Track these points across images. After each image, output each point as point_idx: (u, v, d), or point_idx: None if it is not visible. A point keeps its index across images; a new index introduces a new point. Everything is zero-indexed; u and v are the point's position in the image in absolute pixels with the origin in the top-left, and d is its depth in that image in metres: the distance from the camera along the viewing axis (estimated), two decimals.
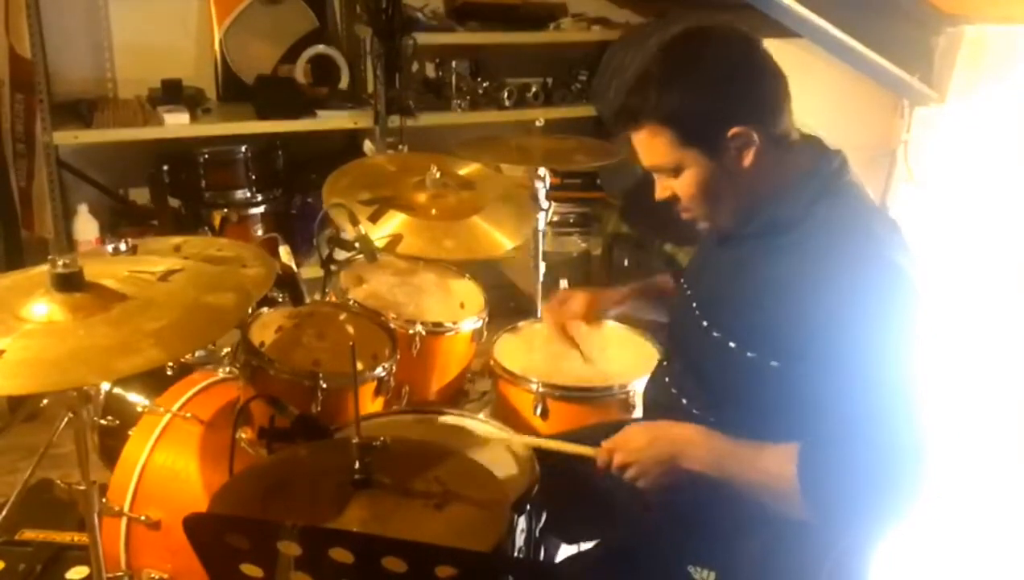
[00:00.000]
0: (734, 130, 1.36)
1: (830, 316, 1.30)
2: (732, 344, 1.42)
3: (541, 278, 2.64)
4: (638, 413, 1.91)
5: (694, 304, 1.53)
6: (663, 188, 1.47)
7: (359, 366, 1.73)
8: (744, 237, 1.46)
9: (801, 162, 1.43)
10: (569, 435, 1.86)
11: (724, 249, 1.51)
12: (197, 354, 2.19)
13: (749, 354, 1.39)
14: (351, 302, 2.13)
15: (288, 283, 2.11)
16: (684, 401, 1.53)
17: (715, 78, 1.37)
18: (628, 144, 1.47)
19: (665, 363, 1.67)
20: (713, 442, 1.42)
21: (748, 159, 1.37)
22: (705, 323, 1.48)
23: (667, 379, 1.60)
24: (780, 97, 1.40)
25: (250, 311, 1.91)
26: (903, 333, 1.30)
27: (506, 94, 3.60)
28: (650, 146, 1.42)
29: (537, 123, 2.72)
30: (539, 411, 1.96)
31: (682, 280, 1.65)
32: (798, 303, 1.33)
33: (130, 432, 1.92)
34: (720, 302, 1.48)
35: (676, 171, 1.42)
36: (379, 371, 1.90)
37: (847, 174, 1.44)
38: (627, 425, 1.75)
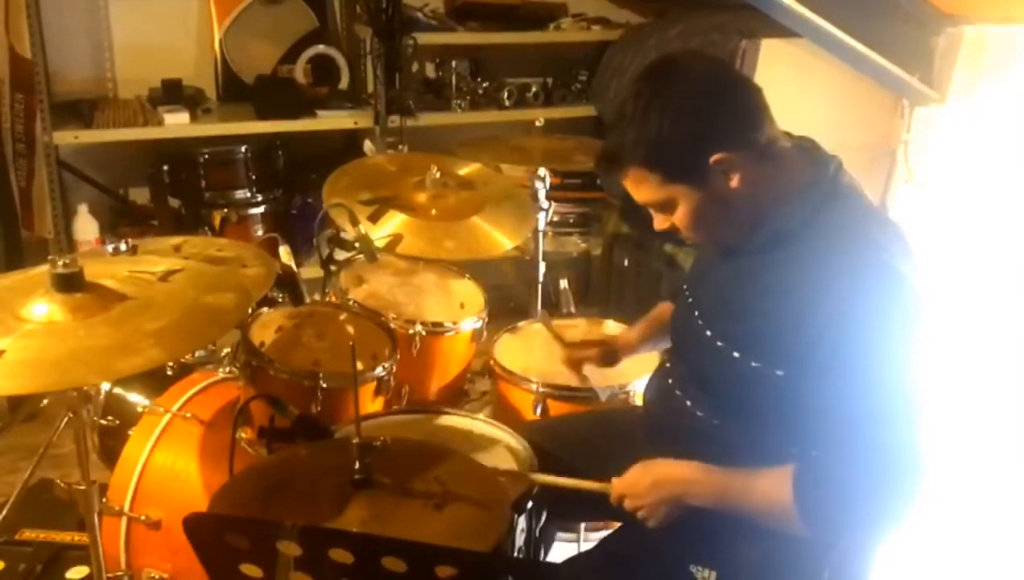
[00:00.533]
0: (715, 157, 1.35)
1: (830, 322, 1.30)
2: (736, 354, 1.42)
3: (541, 278, 2.64)
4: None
5: (696, 313, 1.53)
6: (661, 221, 1.48)
7: (359, 366, 1.73)
8: (747, 251, 1.45)
9: (797, 170, 1.42)
10: (568, 421, 1.87)
11: (727, 260, 1.50)
12: (197, 354, 2.19)
13: (754, 364, 1.39)
14: (351, 302, 2.13)
15: (288, 283, 2.11)
16: (688, 403, 1.53)
17: (685, 110, 1.36)
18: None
19: (668, 365, 1.66)
20: (712, 477, 1.44)
21: (736, 181, 1.37)
22: (709, 333, 1.47)
23: (670, 381, 1.60)
24: (755, 111, 1.39)
25: (250, 311, 1.92)
26: (903, 339, 1.30)
27: (506, 94, 3.60)
28: (638, 187, 1.43)
29: (537, 123, 2.72)
30: (539, 411, 1.96)
31: (684, 287, 1.65)
32: (800, 310, 1.33)
33: (130, 432, 1.92)
34: (723, 312, 1.48)
35: (669, 206, 1.43)
36: (379, 371, 1.90)
37: (844, 178, 1.44)
38: (627, 413, 1.74)
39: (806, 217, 1.39)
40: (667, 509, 1.47)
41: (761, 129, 1.39)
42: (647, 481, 1.49)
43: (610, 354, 1.92)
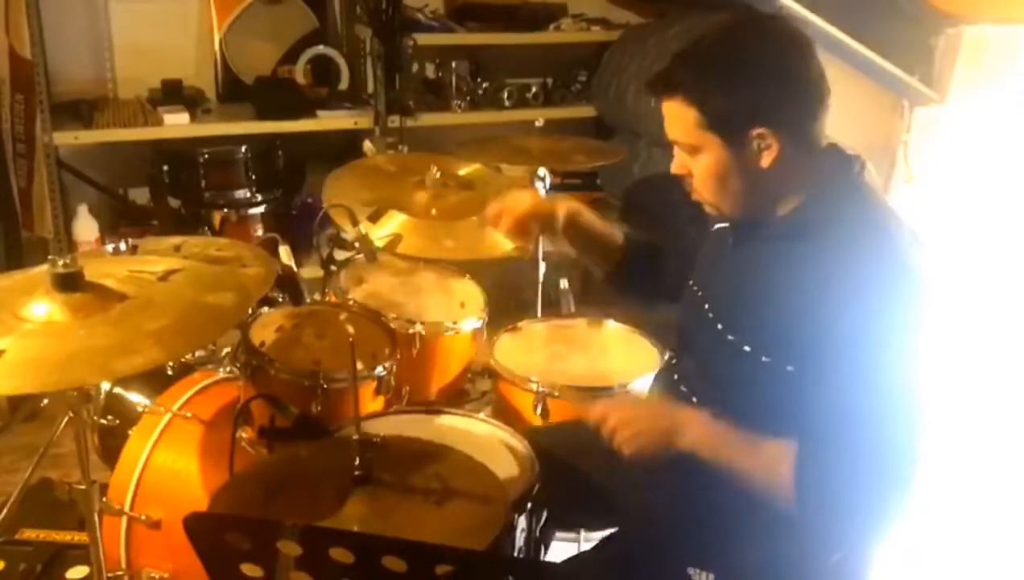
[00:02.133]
0: (758, 130, 1.35)
1: (844, 320, 1.30)
2: (747, 348, 1.41)
3: (541, 278, 2.64)
4: None
5: (706, 305, 1.53)
6: (679, 164, 1.46)
7: (359, 366, 1.73)
8: (764, 239, 1.45)
9: (821, 168, 1.42)
10: (570, 427, 1.87)
11: (741, 250, 1.50)
12: (197, 354, 2.19)
13: (764, 359, 1.39)
14: (351, 302, 2.13)
15: (288, 283, 2.11)
16: (694, 399, 1.53)
17: (756, 76, 1.35)
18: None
19: (674, 362, 1.66)
20: (713, 425, 1.42)
21: (767, 160, 1.37)
22: (720, 326, 1.47)
23: (676, 377, 1.60)
24: (816, 106, 1.39)
25: (250, 311, 1.92)
26: (915, 339, 1.31)
27: (506, 94, 3.60)
28: (676, 118, 1.42)
29: (537, 123, 2.72)
30: (539, 411, 1.96)
31: (691, 282, 1.64)
32: (814, 306, 1.33)
33: (130, 432, 1.92)
34: (736, 305, 1.48)
35: (694, 151, 1.42)
36: (379, 371, 1.90)
37: (867, 178, 1.44)
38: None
39: (827, 212, 1.39)
40: (656, 439, 1.43)
41: (812, 126, 1.39)
42: (645, 405, 1.49)
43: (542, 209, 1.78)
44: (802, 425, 1.33)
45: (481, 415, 1.84)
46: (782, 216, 1.42)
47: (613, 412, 1.48)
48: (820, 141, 1.42)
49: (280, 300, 2.09)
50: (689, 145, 1.42)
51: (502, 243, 2.29)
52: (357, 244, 2.14)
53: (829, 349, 1.31)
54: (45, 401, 2.44)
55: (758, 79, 1.36)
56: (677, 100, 1.40)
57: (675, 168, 1.48)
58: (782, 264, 1.41)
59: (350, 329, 1.96)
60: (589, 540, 1.97)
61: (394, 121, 3.36)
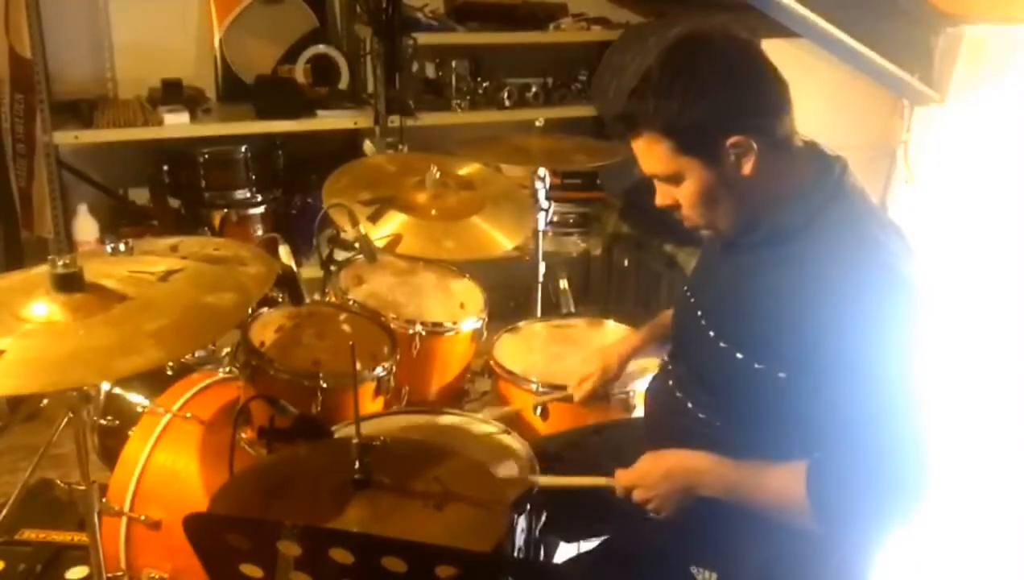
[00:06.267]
0: (732, 139, 1.35)
1: (831, 323, 1.30)
2: (739, 354, 1.41)
3: (541, 278, 2.64)
4: (638, 413, 1.90)
5: (699, 313, 1.53)
6: (664, 195, 1.47)
7: (359, 366, 1.73)
8: (749, 245, 1.45)
9: (803, 169, 1.42)
10: (570, 434, 1.87)
11: (729, 257, 1.50)
12: (197, 354, 2.19)
13: (756, 365, 1.39)
14: (351, 302, 2.13)
15: (288, 283, 2.11)
16: (689, 404, 1.53)
17: (713, 87, 1.35)
18: (629, 146, 1.47)
19: (669, 367, 1.66)
20: (725, 468, 1.43)
21: (748, 167, 1.37)
22: (712, 333, 1.47)
23: (670, 382, 1.60)
24: (779, 103, 1.39)
25: (250, 311, 1.91)
26: (904, 339, 1.31)
27: (506, 94, 3.60)
28: (649, 154, 1.42)
29: (537, 123, 2.72)
30: (539, 411, 1.96)
31: (685, 287, 1.65)
32: (801, 311, 1.33)
33: (130, 432, 1.92)
34: (727, 311, 1.48)
35: (675, 179, 1.42)
36: (379, 371, 1.90)
37: (849, 179, 1.44)
38: (631, 423, 1.74)
39: (809, 215, 1.39)
40: (679, 499, 1.46)
41: (782, 121, 1.39)
42: (658, 471, 1.49)
43: (609, 372, 1.90)
44: (808, 437, 1.34)
45: (481, 415, 1.85)
46: (768, 222, 1.42)
47: (636, 488, 1.50)
48: (793, 140, 1.42)
49: (280, 300, 2.09)
50: (669, 175, 1.42)
51: (501, 243, 2.30)
52: (357, 244, 2.14)
53: (818, 354, 1.31)
54: (45, 401, 2.44)
55: (713, 89, 1.35)
56: (645, 136, 1.40)
57: (660, 201, 1.48)
58: (768, 270, 1.41)
59: (350, 330, 1.97)
60: (590, 540, 1.97)
61: (394, 121, 3.36)
